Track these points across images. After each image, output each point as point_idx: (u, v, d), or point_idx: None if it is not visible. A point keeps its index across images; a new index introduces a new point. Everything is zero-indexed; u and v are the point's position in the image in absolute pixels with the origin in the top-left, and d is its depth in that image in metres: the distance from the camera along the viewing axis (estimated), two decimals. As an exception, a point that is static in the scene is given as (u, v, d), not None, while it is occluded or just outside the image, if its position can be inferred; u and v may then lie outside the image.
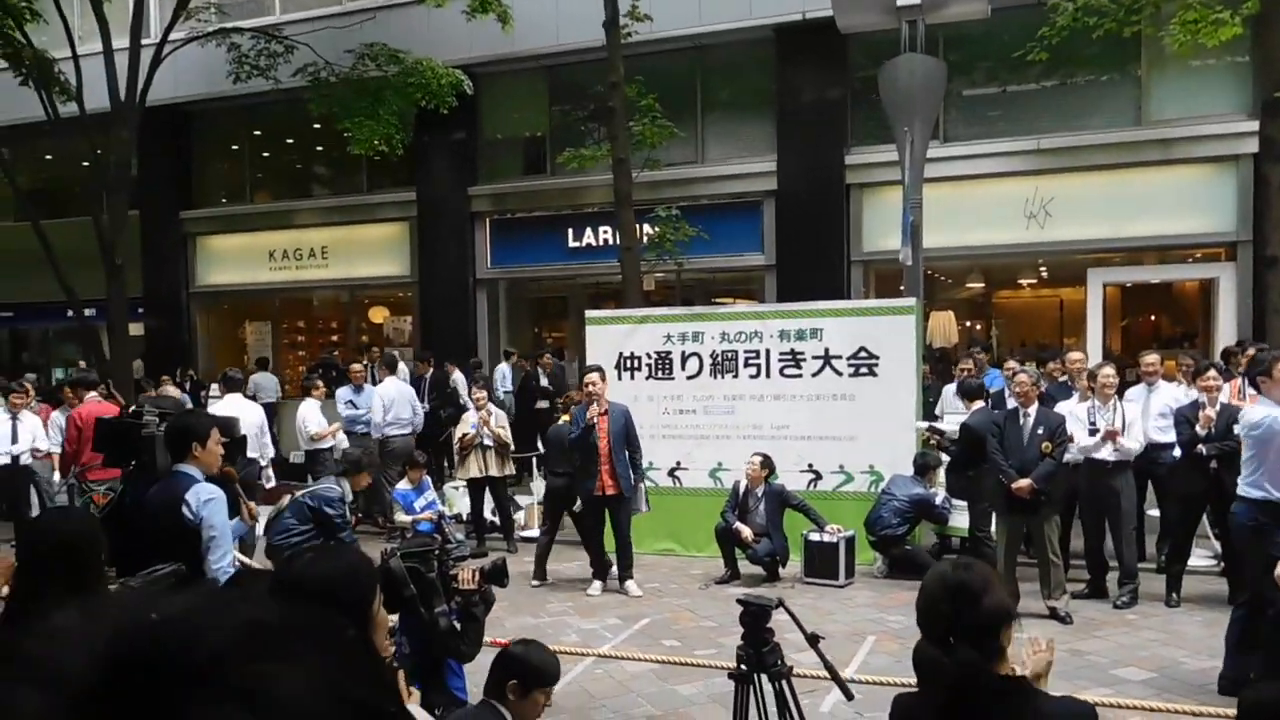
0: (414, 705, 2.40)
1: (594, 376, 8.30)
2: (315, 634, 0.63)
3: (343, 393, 11.12)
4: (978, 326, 17.70)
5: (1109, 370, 7.75)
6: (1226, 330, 11.77)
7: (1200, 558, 8.10)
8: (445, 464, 12.12)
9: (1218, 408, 7.14)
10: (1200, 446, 7.12)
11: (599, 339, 10.07)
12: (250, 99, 15.30)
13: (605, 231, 14.42)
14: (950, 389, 9.31)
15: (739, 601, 3.50)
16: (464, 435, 9.94)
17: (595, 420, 8.11)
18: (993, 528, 7.67)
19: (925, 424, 8.85)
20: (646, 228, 12.95)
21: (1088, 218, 12.36)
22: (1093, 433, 7.56)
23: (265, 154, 18.05)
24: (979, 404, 8.33)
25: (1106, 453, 7.53)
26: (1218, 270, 12.21)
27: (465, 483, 10.13)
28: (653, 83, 12.74)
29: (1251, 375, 5.92)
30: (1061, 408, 7.83)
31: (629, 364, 9.91)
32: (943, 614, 2.09)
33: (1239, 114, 11.58)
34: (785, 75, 13.69)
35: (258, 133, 17.57)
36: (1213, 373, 7.42)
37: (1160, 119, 12.18)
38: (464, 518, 10.55)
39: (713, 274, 14.88)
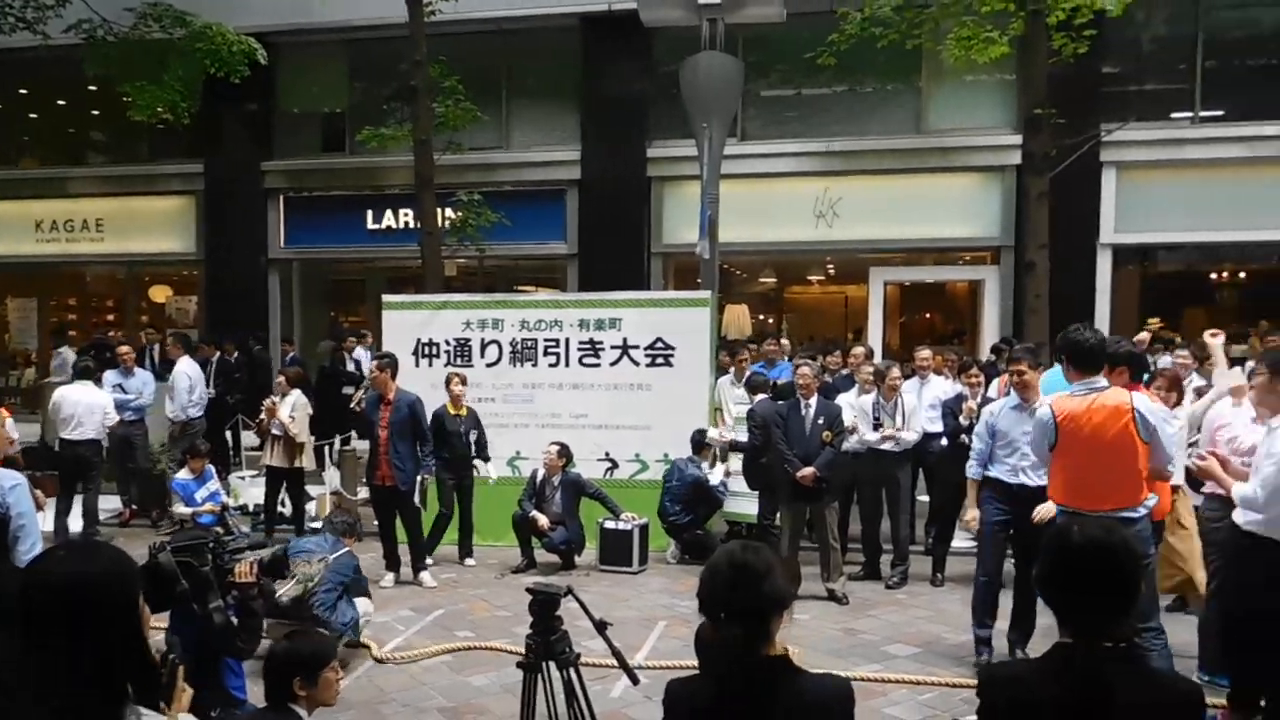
0: (183, 712, 2.27)
1: (374, 365, 8.28)
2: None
3: (110, 376, 10.36)
4: (770, 320, 18.39)
5: (897, 372, 8.32)
6: (991, 328, 12.73)
7: (962, 539, 8.70)
8: (232, 452, 11.54)
9: (979, 400, 7.71)
10: (963, 436, 7.66)
11: (396, 325, 9.85)
12: (16, 54, 13.98)
13: (406, 214, 14.08)
14: (726, 380, 9.62)
15: (528, 590, 3.51)
16: (260, 420, 9.56)
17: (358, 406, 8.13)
18: (779, 515, 8.00)
19: (716, 432, 9.03)
20: (449, 212, 12.73)
21: (871, 219, 13.06)
22: (877, 427, 8.05)
23: (34, 115, 16.56)
24: (761, 396, 8.66)
25: (888, 444, 8.03)
26: (984, 272, 13.17)
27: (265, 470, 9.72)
28: (457, 64, 12.51)
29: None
30: (843, 399, 8.29)
31: (427, 351, 9.76)
32: (722, 592, 2.15)
33: (1005, 128, 12.51)
34: (591, 65, 13.77)
35: (24, 91, 16.09)
36: (975, 368, 8.00)
37: (938, 129, 13.00)
38: (250, 509, 10.10)
39: (515, 261, 14.79)
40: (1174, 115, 12.66)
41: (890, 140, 13.02)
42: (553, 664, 3.41)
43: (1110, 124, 11.58)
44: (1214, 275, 15.78)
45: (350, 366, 12.73)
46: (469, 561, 8.77)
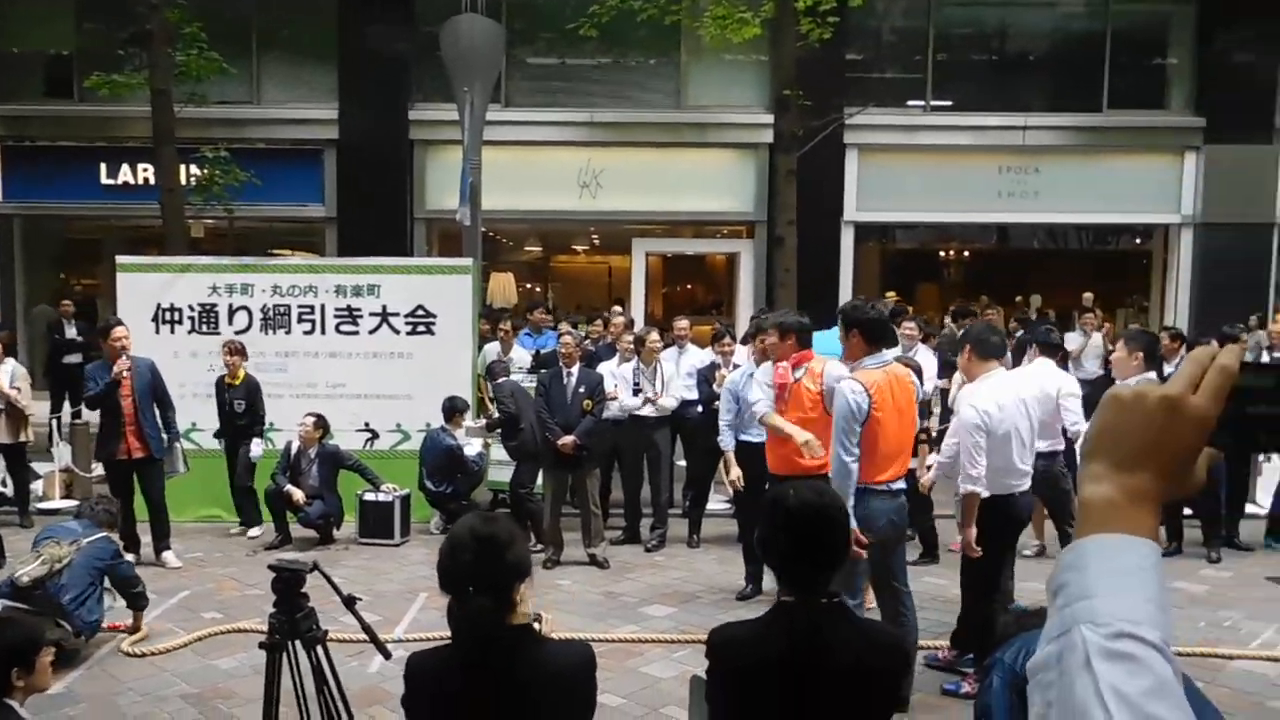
0: None
1: (122, 330, 7.63)
2: None
3: None
4: (536, 289, 18.45)
5: (655, 336, 8.50)
6: (747, 299, 13.33)
7: (716, 502, 9.11)
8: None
9: (732, 368, 8.06)
10: (717, 403, 7.99)
11: (132, 288, 9.15)
12: None
13: (146, 169, 13.09)
14: (492, 348, 9.60)
15: (270, 567, 3.38)
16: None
17: (121, 376, 7.47)
18: (539, 482, 8.07)
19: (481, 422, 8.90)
20: (193, 169, 11.93)
21: (634, 191, 13.33)
22: (636, 393, 8.24)
23: None
24: (503, 379, 8.60)
25: (648, 410, 8.24)
26: (740, 246, 13.76)
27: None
28: (202, 11, 11.67)
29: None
30: (604, 368, 8.44)
31: (169, 316, 9.13)
32: (465, 564, 2.16)
33: (759, 107, 13.08)
34: (349, 21, 13.23)
35: None
36: (727, 337, 8.35)
37: (697, 104, 13.41)
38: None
39: (269, 224, 14.09)
40: (909, 103, 13.65)
41: (651, 113, 13.31)
42: (299, 643, 3.31)
43: (852, 108, 12.33)
44: (943, 253, 17.22)
45: (73, 333, 11.74)
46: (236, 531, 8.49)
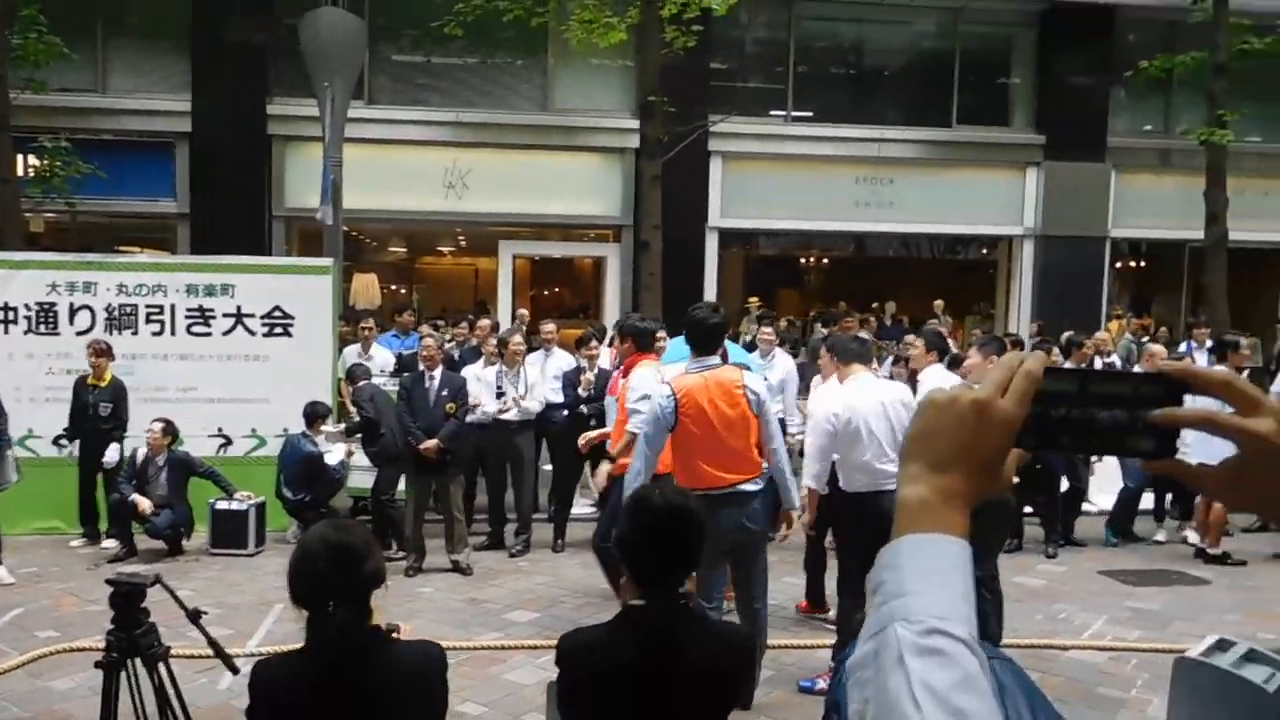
0: None
1: None
2: None
3: None
4: (402, 290, 18.14)
5: (519, 339, 8.46)
6: (614, 303, 13.40)
7: (582, 506, 9.13)
8: None
9: (596, 372, 8.11)
10: (583, 407, 8.04)
11: (-39, 286, 8.59)
12: None
13: (-23, 159, 12.26)
14: (351, 350, 9.40)
15: (108, 582, 3.23)
16: None
17: None
18: (401, 488, 7.94)
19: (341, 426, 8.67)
20: (32, 159, 11.28)
21: (501, 193, 13.23)
22: (500, 396, 8.19)
23: None
24: (363, 382, 8.43)
25: (512, 414, 8.19)
26: (607, 250, 13.83)
27: None
28: (43, -6, 11.05)
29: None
30: (468, 371, 8.36)
31: (3, 316, 8.61)
32: (321, 573, 2.12)
33: (625, 112, 13.17)
34: (202, 9, 12.71)
35: None
36: (593, 340, 8.40)
37: (564, 108, 13.41)
38: None
39: (115, 219, 13.41)
40: (772, 113, 13.98)
41: (518, 115, 13.24)
42: (139, 661, 3.17)
43: (716, 116, 12.56)
44: (804, 260, 17.72)
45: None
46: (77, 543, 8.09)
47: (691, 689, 2.18)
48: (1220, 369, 0.97)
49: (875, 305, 15.50)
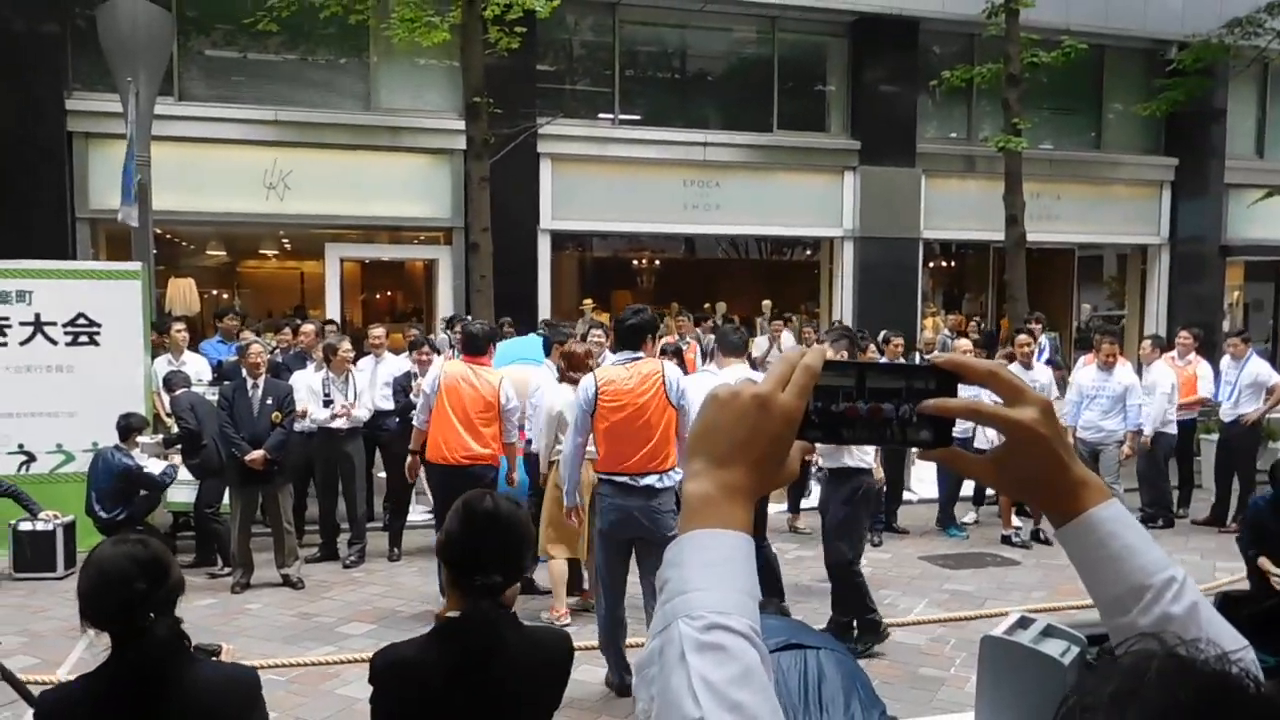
0: None
1: None
2: None
3: None
4: (224, 295, 17.35)
5: (347, 345, 8.25)
6: (446, 306, 13.21)
7: (419, 512, 8.98)
8: None
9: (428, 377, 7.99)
10: (413, 413, 7.89)
11: None
12: None
13: None
14: (162, 359, 8.96)
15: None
16: None
17: None
18: (225, 501, 7.61)
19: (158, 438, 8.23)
20: None
21: (326, 194, 12.82)
22: (327, 404, 7.95)
23: None
24: (181, 390, 8.08)
25: (340, 422, 7.97)
26: (438, 252, 13.62)
27: None
28: None
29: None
30: (297, 378, 8.09)
31: None
32: (138, 591, 2.04)
33: (451, 112, 12.97)
34: (-12, -6, 11.79)
35: None
36: (425, 346, 8.28)
37: (389, 108, 13.12)
38: None
39: (-108, 221, 12.27)
40: (599, 115, 14.10)
41: (341, 115, 12.86)
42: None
43: (544, 118, 12.56)
44: (636, 262, 17.95)
45: None
46: None
47: (509, 700, 2.16)
48: (987, 360, 1.05)
49: (707, 305, 15.86)
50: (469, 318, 10.00)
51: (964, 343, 10.20)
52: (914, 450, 0.97)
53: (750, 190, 14.48)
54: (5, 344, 8.20)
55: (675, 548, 0.90)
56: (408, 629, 6.41)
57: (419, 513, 8.99)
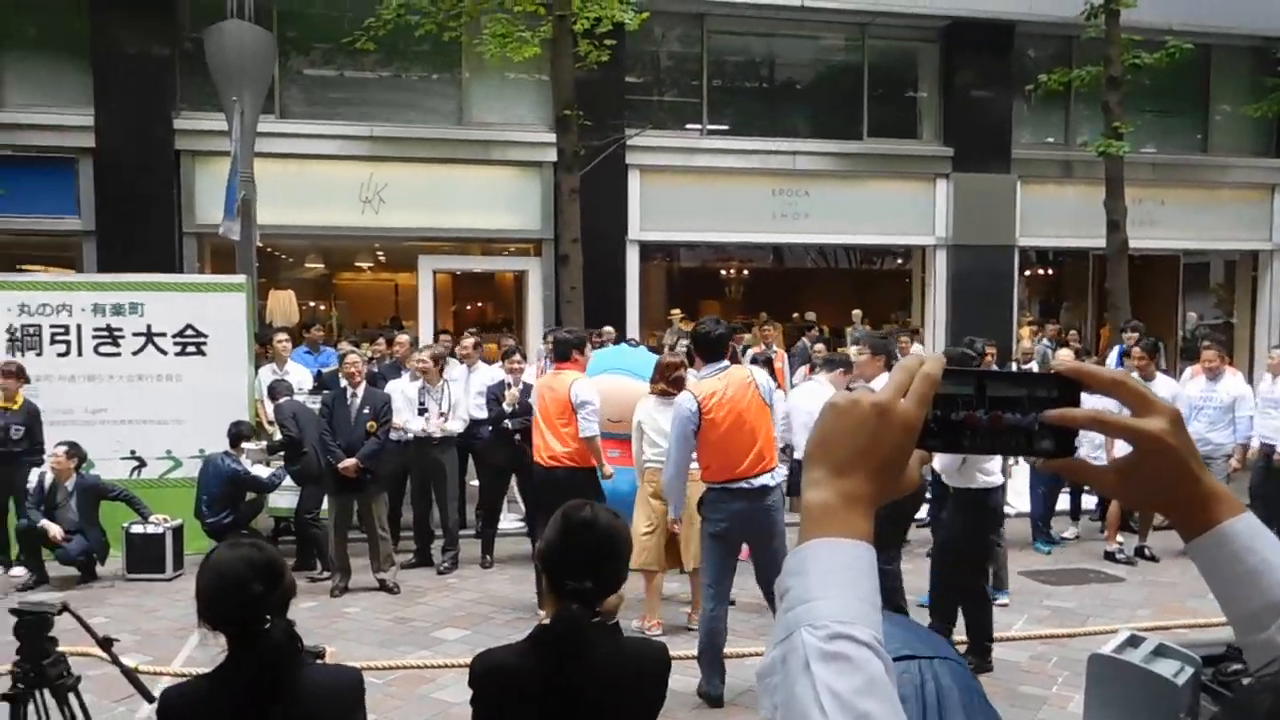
0: None
1: None
2: None
3: None
4: (321, 306, 17.85)
5: (427, 355, 8.39)
6: (536, 317, 13.36)
7: (510, 521, 9.10)
8: None
9: (521, 386, 8.08)
10: (507, 421, 8.00)
11: None
12: None
13: None
14: (267, 368, 9.23)
15: (11, 611, 3.13)
16: None
17: None
18: (324, 507, 7.81)
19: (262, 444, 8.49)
20: (-77, 177, 10.87)
21: (419, 207, 13.10)
22: (422, 412, 8.11)
23: None
24: (284, 399, 8.31)
25: (434, 430, 8.12)
26: (528, 263, 13.79)
27: None
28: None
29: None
30: (392, 387, 8.26)
31: (-106, 339, 8.26)
32: (255, 594, 2.10)
33: (542, 125, 13.15)
34: (103, 21, 12.35)
35: None
36: (516, 355, 8.36)
37: (481, 122, 13.35)
38: None
39: (17, 237, 12.95)
40: (687, 126, 14.12)
41: (434, 129, 13.13)
42: (48, 691, 3.07)
43: (632, 129, 12.63)
44: (723, 272, 17.91)
45: None
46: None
47: (601, 709, 2.16)
48: (1112, 369, 1.02)
49: (795, 315, 15.74)
50: (562, 329, 10.12)
51: (1066, 353, 9.90)
52: (1011, 462, 0.95)
53: (840, 198, 14.33)
54: (119, 354, 8.56)
55: (796, 556, 0.90)
56: (501, 635, 6.49)
57: (510, 520, 9.10)
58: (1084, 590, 7.58)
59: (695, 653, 5.40)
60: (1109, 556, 8.34)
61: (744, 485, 5.26)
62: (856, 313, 14.77)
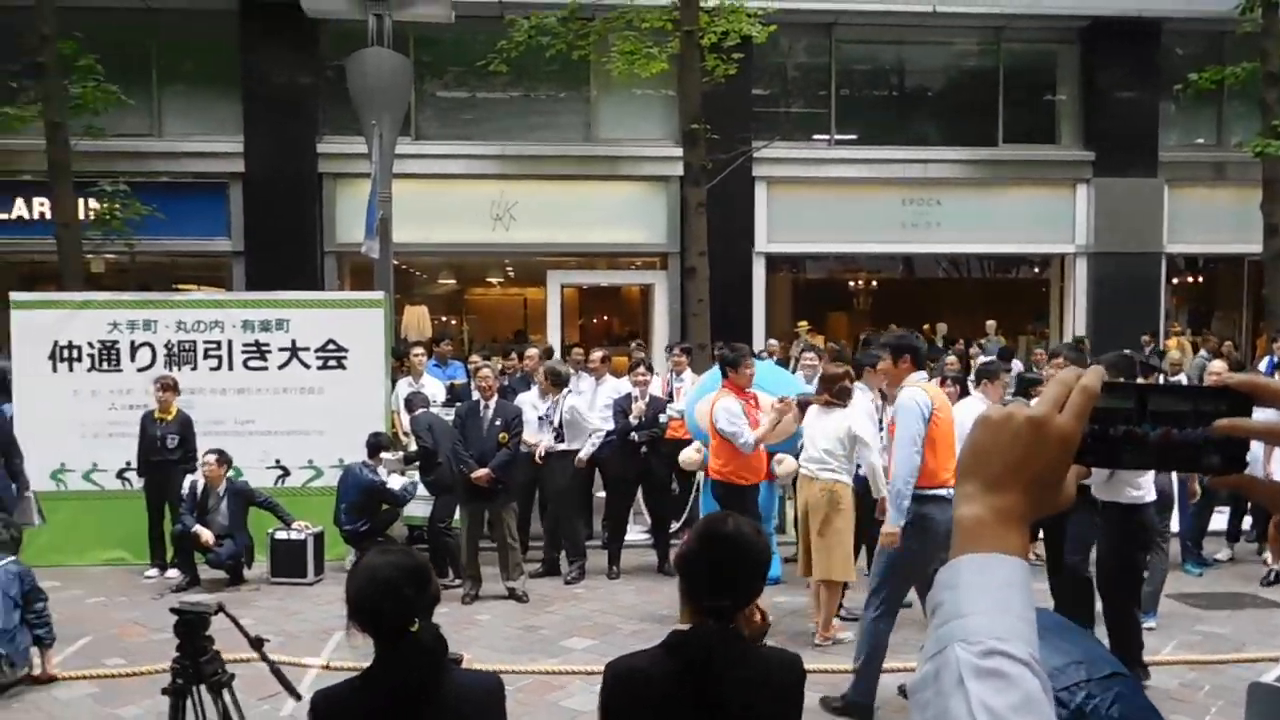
0: None
1: None
2: None
3: None
4: (452, 321, 18.33)
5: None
6: (662, 330, 13.43)
7: (636, 532, 9.12)
8: None
9: (647, 399, 8.12)
10: (634, 434, 8.03)
11: (28, 325, 8.83)
12: None
13: (42, 204, 12.64)
14: (404, 381, 9.50)
15: (172, 610, 3.29)
16: None
17: None
18: (457, 516, 7.98)
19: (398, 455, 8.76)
20: (92, 203, 11.62)
21: (547, 223, 13.36)
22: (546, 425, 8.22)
23: None
24: (420, 410, 8.52)
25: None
26: (654, 277, 13.88)
27: None
28: (100, 43, 11.43)
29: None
30: (521, 400, 8.40)
31: (67, 354, 8.83)
32: (405, 596, 2.15)
33: (668, 140, 13.24)
34: (252, 53, 13.06)
35: None
36: (642, 368, 8.39)
37: (608, 138, 13.53)
38: None
39: (173, 258, 13.76)
40: (815, 137, 13.99)
41: (562, 147, 13.38)
42: (204, 687, 3.22)
43: (759, 142, 12.58)
44: (851, 283, 17.62)
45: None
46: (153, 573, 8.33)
47: (746, 714, 2.15)
48: None
49: (926, 327, 15.37)
50: (685, 341, 10.13)
51: (1219, 364, 9.36)
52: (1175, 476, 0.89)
53: (973, 207, 13.96)
54: (266, 368, 8.96)
55: (949, 571, 0.89)
56: (627, 645, 6.46)
57: (636, 532, 9.12)
58: (1240, 616, 7.12)
59: (827, 666, 5.29)
60: (1269, 581, 7.82)
61: (944, 493, 5.11)
62: (991, 324, 14.33)
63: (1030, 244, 14.46)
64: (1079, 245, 14.07)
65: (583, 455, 8.21)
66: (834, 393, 6.52)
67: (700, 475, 8.27)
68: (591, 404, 8.65)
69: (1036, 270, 15.97)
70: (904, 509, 5.18)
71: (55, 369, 8.74)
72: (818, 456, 6.49)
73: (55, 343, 8.78)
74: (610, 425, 8.47)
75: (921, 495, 5.14)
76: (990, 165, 13.96)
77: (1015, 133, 14.12)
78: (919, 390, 5.25)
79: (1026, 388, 7.85)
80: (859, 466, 6.66)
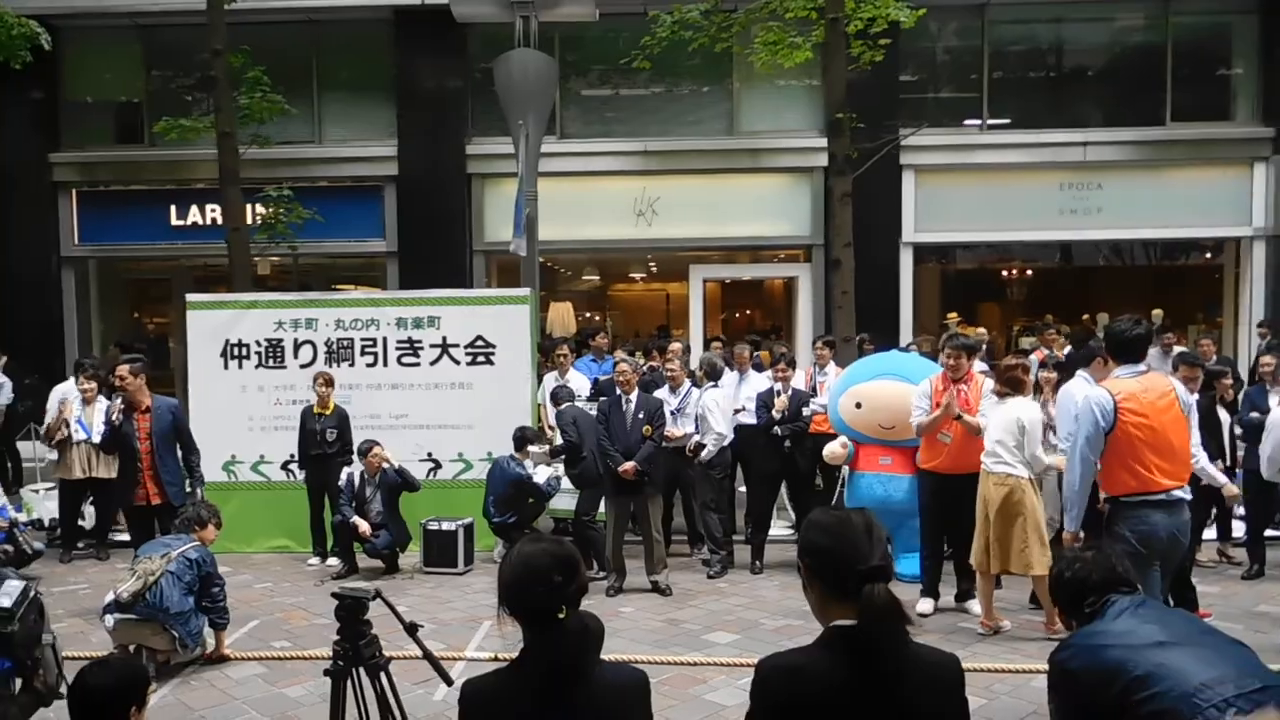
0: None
1: (122, 369, 7.20)
2: None
3: None
4: (596, 317, 18.53)
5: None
6: (806, 323, 13.25)
7: (780, 528, 9.03)
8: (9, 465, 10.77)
9: (790, 393, 8.00)
10: (776, 428, 7.94)
11: (201, 325, 9.41)
12: None
13: (213, 210, 13.45)
14: (551, 376, 9.64)
15: (333, 595, 3.42)
16: (49, 425, 8.92)
17: (117, 420, 7.16)
18: (601, 509, 8.07)
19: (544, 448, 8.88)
20: (258, 208, 12.27)
21: (689, 218, 13.36)
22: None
23: None
24: (565, 405, 8.62)
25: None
26: (798, 270, 13.69)
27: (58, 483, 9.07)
28: (265, 55, 12.06)
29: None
30: (663, 394, 8.42)
31: (236, 352, 9.36)
32: (555, 584, 2.17)
33: (812, 131, 13.03)
34: (406, 59, 13.52)
35: None
36: (783, 363, 8.28)
37: (750, 130, 13.42)
38: (46, 524, 9.41)
39: (332, 259, 14.39)
40: (965, 122, 13.51)
41: (705, 141, 13.35)
42: (363, 670, 3.34)
43: (907, 129, 12.24)
44: (1004, 273, 16.94)
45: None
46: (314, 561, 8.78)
47: (909, 714, 2.07)
48: None
49: (1085, 317, 14.64)
50: (829, 335, 9.95)
51: None
52: None
53: (1137, 190, 13.23)
54: (418, 364, 9.27)
55: None
56: (770, 640, 6.44)
57: (780, 527, 9.03)
58: None
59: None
60: None
61: (1162, 497, 4.80)
62: (1157, 313, 13.50)
63: (1201, 228, 13.59)
64: (1256, 228, 13.15)
65: (703, 456, 8.13)
66: (1005, 382, 6.43)
67: (845, 469, 8.13)
68: (735, 398, 8.60)
69: (1209, 255, 15.00)
70: (1075, 516, 4.97)
71: (226, 366, 9.27)
72: (991, 449, 6.38)
73: (226, 341, 9.31)
74: (748, 420, 8.41)
75: (1131, 502, 4.84)
76: (1157, 145, 13.19)
77: (1184, 110, 13.29)
78: (1099, 389, 4.96)
79: (1210, 380, 7.49)
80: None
